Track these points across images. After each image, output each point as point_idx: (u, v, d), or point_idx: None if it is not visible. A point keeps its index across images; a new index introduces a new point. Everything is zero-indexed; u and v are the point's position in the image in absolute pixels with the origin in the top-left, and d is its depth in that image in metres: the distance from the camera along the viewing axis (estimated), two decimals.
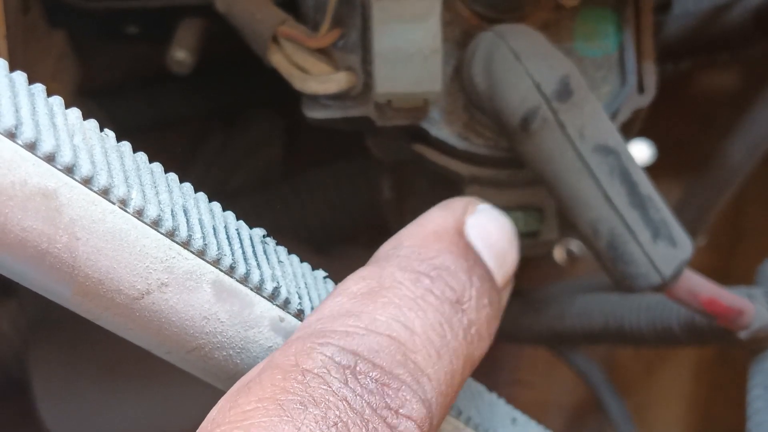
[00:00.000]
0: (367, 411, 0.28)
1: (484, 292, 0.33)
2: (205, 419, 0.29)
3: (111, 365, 0.68)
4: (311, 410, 0.27)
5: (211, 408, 0.29)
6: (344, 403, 0.28)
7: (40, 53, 0.59)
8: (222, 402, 0.29)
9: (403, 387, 0.29)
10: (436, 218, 0.35)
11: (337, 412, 0.27)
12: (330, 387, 0.28)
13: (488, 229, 0.35)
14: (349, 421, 0.27)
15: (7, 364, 0.73)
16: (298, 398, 0.27)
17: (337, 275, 0.36)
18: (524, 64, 0.44)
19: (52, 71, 0.60)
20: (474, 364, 0.33)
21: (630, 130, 0.52)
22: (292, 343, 0.30)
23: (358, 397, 0.28)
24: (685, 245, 0.44)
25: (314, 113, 0.49)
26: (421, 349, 0.30)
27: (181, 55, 0.62)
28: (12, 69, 0.29)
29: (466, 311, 0.32)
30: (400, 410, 0.28)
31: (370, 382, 0.28)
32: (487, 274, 0.34)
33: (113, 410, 0.69)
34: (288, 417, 0.27)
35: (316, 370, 0.28)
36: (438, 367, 0.30)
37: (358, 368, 0.29)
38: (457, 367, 0.31)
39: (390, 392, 0.29)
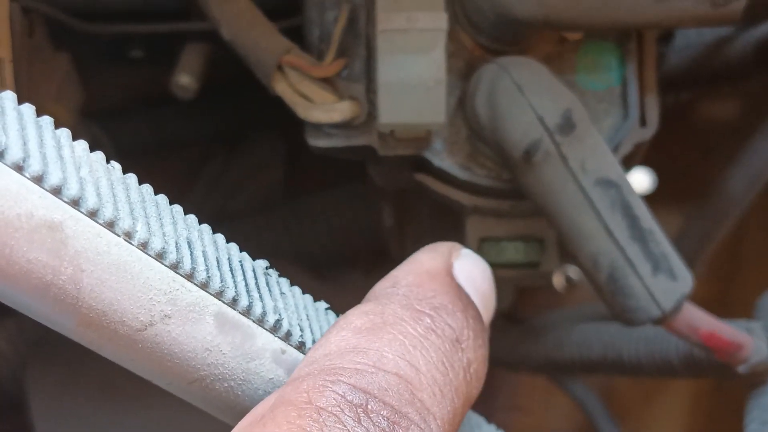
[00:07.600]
0: None
1: (479, 332, 0.34)
2: None
3: (108, 385, 0.68)
4: None
5: (207, 428, 0.29)
6: None
7: (44, 75, 0.59)
8: None
9: (412, 426, 0.29)
10: (428, 260, 0.35)
11: None
12: (345, 426, 0.28)
13: (473, 273, 0.36)
14: None
15: (4, 382, 0.73)
16: None
17: (335, 300, 0.36)
18: (527, 97, 0.44)
19: (56, 93, 0.60)
20: (470, 404, 0.33)
21: (631, 162, 0.53)
22: (303, 379, 0.30)
23: None
24: (685, 279, 0.44)
25: (318, 142, 0.49)
26: (426, 388, 0.30)
27: (185, 79, 0.62)
28: (17, 90, 0.29)
29: (465, 350, 0.33)
30: None
31: (381, 420, 0.29)
32: (479, 315, 0.34)
33: (110, 430, 0.69)
34: None
35: (330, 408, 0.28)
36: (442, 406, 0.31)
37: (369, 407, 0.29)
38: (458, 405, 0.31)
39: (400, 431, 0.29)
